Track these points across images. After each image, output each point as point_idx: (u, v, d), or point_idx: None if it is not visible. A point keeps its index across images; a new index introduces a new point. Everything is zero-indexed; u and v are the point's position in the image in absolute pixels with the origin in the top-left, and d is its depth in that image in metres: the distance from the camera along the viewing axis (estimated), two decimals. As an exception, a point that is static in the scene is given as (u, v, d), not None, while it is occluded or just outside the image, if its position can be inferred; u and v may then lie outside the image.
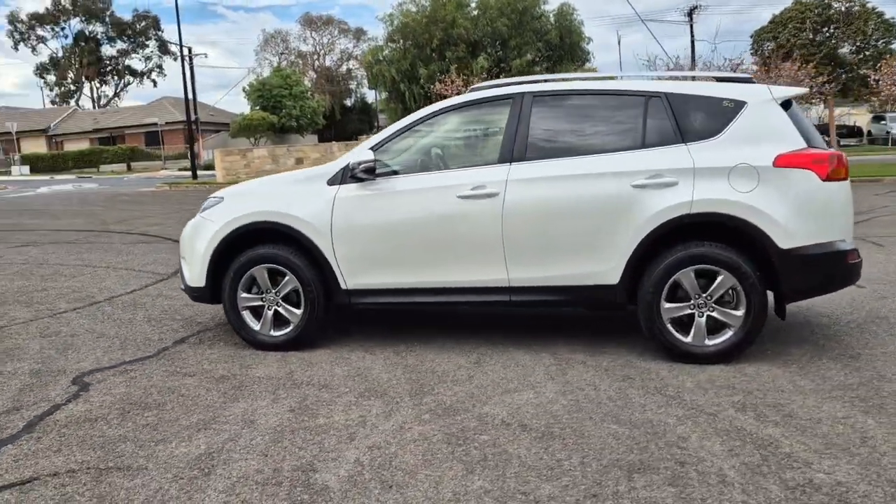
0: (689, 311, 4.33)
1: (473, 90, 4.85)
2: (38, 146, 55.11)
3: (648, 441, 3.30)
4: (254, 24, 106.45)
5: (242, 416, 3.76)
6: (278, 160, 32.08)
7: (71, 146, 54.15)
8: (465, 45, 38.79)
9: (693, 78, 4.82)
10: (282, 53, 69.22)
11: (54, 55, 78.36)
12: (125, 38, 79.44)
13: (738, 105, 4.37)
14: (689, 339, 4.34)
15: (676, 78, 4.88)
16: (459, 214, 4.51)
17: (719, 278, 4.25)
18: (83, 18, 77.41)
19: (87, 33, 77.40)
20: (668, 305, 4.34)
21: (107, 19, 77.72)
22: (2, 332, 5.60)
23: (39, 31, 77.74)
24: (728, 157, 4.25)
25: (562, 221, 4.41)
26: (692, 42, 35.89)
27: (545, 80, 4.80)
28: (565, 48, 40.83)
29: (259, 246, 4.84)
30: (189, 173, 34.17)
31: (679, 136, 4.37)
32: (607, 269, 4.38)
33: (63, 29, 77.69)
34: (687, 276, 4.28)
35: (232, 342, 5.10)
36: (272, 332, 4.89)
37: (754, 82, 4.61)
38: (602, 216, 4.35)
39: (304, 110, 51.32)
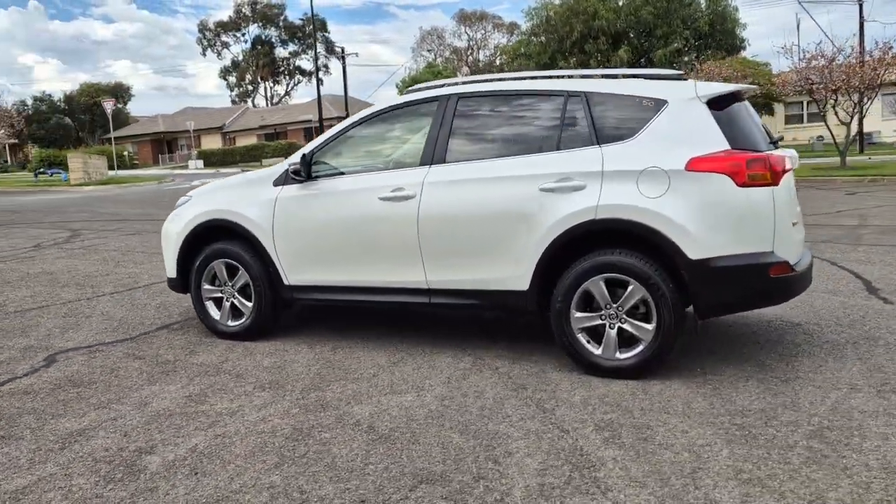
0: (601, 322, 4.13)
1: (409, 92, 4.89)
2: (214, 142, 60.60)
3: (469, 454, 3.23)
4: (423, 21, 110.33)
5: (144, 398, 4.10)
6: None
7: (241, 142, 59.01)
8: (605, 36, 37.75)
9: (623, 76, 4.52)
10: (429, 50, 70.86)
11: (235, 59, 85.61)
12: (296, 41, 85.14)
13: (658, 104, 4.08)
14: (599, 352, 4.13)
15: (601, 76, 4.60)
16: (381, 216, 4.58)
17: (629, 289, 4.01)
18: (260, 24, 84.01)
19: (262, 38, 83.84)
20: (578, 315, 4.16)
21: (280, 24, 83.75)
22: (39, 311, 6.41)
23: (224, 38, 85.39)
24: (640, 160, 3.99)
25: (472, 224, 4.35)
26: (861, 23, 32.57)
27: (473, 82, 4.72)
28: (716, 36, 38.56)
29: (217, 242, 5.19)
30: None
31: (594, 138, 4.16)
32: (517, 275, 4.26)
33: (243, 35, 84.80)
34: (596, 286, 4.08)
35: (205, 330, 5.50)
36: (229, 323, 5.23)
37: (686, 79, 4.27)
38: (510, 220, 4.24)
39: (451, 105, 52.28)
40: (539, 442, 3.33)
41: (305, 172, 4.82)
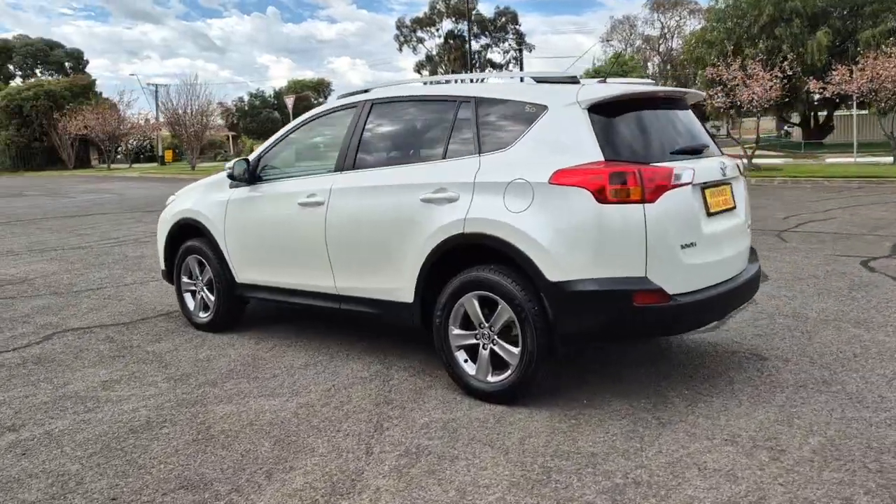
0: (476, 342, 3.91)
1: (341, 97, 4.89)
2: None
3: (256, 465, 3.25)
4: (630, 9, 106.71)
5: (70, 379, 4.53)
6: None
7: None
8: (800, 18, 34.26)
9: (522, 79, 4.14)
10: (609, 40, 68.74)
11: (429, 53, 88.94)
12: (487, 34, 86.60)
13: (539, 110, 3.75)
14: (473, 372, 3.92)
15: (497, 79, 4.26)
16: (298, 221, 4.67)
17: (498, 309, 3.76)
18: (454, 20, 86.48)
19: (455, 32, 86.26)
20: (456, 332, 3.97)
21: (472, 18, 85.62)
22: (92, 292, 7.25)
23: (419, 34, 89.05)
24: (510, 171, 3.71)
25: (364, 233, 4.30)
26: None
27: (389, 86, 4.61)
28: (941, 12, 33.50)
29: (191, 239, 5.57)
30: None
31: (477, 146, 3.93)
32: (403, 287, 4.15)
33: (437, 30, 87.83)
34: (470, 303, 3.87)
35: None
36: (200, 314, 5.60)
37: (579, 82, 3.86)
38: (394, 230, 4.13)
39: (635, 97, 50.65)
40: (332, 462, 3.26)
41: (248, 177, 5.02)
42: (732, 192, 4.07)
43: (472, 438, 3.44)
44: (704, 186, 3.76)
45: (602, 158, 3.50)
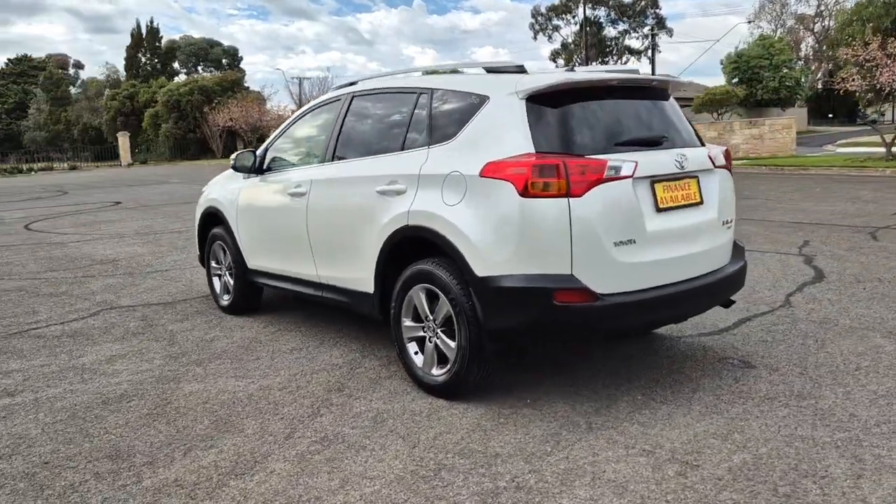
0: (424, 334, 3.91)
1: (333, 90, 4.98)
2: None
3: (182, 441, 3.44)
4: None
5: (87, 352, 4.98)
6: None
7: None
8: (971, -12, 30.56)
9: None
10: (751, 21, 64.43)
11: (565, 41, 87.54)
12: (625, 20, 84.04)
13: (481, 101, 3.66)
14: (420, 365, 3.92)
15: (455, 70, 4.12)
16: (288, 210, 4.84)
17: (439, 302, 3.74)
18: (591, 6, 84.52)
19: (591, 19, 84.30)
20: (408, 323, 3.98)
21: (609, 3, 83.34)
22: (159, 273, 7.86)
23: (555, 21, 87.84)
24: (449, 164, 3.66)
25: (335, 223, 4.39)
26: None
27: (372, 78, 4.64)
28: None
29: (215, 227, 5.92)
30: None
31: (428, 138, 3.90)
32: (366, 277, 4.21)
33: (573, 17, 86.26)
34: (417, 295, 3.87)
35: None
36: (223, 297, 5.94)
37: (525, 72, 3.71)
38: (357, 221, 4.19)
39: (782, 81, 47.52)
40: (250, 443, 3.39)
41: (254, 169, 5.26)
42: (700, 186, 3.77)
43: (392, 430, 3.45)
44: (654, 180, 3.53)
45: (533, 150, 3.37)
